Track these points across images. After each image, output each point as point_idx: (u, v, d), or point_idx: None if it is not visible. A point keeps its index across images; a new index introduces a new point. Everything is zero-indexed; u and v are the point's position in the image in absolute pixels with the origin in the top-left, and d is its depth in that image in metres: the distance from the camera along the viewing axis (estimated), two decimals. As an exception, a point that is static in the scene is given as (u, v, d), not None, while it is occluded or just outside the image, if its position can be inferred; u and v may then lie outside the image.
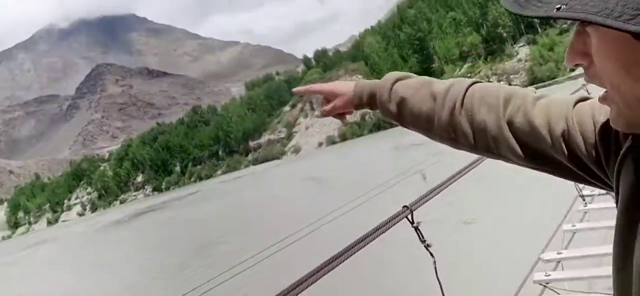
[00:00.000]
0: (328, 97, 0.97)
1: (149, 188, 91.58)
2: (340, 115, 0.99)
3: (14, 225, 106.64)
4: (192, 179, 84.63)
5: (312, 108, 71.50)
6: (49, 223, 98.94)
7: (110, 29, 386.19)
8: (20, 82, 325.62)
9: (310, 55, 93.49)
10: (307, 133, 69.25)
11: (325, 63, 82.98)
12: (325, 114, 0.97)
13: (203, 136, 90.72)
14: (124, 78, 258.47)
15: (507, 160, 0.75)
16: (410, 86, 0.87)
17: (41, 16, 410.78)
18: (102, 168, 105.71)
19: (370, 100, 0.91)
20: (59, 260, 38.93)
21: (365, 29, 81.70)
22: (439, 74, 56.81)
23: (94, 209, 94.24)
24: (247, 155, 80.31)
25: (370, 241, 1.12)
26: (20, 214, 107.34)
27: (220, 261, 14.87)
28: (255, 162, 73.62)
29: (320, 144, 63.82)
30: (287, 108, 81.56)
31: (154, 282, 16.34)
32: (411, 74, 0.92)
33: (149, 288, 16.08)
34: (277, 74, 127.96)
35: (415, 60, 61.34)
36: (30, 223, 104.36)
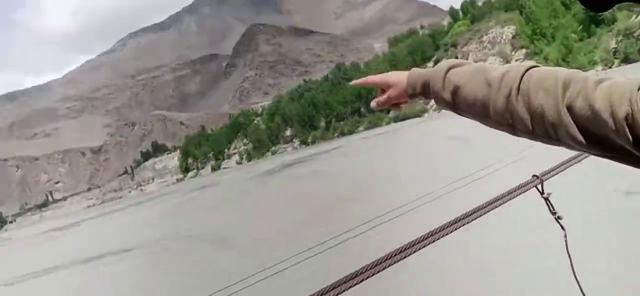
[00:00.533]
0: (382, 88, 0.98)
1: (296, 142, 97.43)
2: (395, 105, 0.98)
3: (185, 169, 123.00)
4: (335, 134, 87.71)
5: (458, 64, 68.43)
6: (213, 169, 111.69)
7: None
8: (188, 43, 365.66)
9: (457, 6, 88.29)
10: (451, 90, 66.68)
11: (474, 14, 77.78)
12: (379, 105, 0.97)
13: (346, 93, 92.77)
14: (274, 37, 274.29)
15: (568, 146, 0.72)
16: (464, 73, 0.86)
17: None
18: (255, 122, 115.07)
19: (424, 90, 0.91)
20: (221, 201, 43.17)
21: (520, -25, 74.22)
22: (612, 22, 49.43)
23: (249, 159, 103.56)
24: (388, 112, 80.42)
25: (496, 207, 1.06)
26: (190, 160, 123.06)
27: (355, 215, 15.51)
28: (397, 119, 73.35)
29: (465, 101, 61.01)
30: (430, 64, 79.02)
31: (298, 229, 17.45)
32: (464, 61, 0.89)
33: (295, 233, 17.18)
34: (422, 27, 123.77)
35: (580, 7, 54.12)
36: (198, 169, 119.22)
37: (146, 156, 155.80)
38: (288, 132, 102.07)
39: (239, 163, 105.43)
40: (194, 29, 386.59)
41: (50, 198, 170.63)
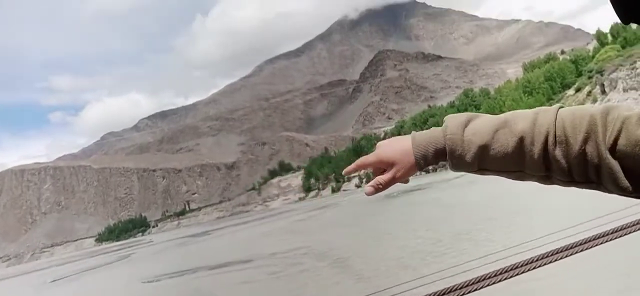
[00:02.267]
0: (380, 167, 0.86)
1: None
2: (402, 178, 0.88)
3: (307, 189, 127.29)
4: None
5: (604, 92, 61.18)
6: (333, 190, 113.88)
7: (392, 16, 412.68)
8: (318, 69, 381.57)
9: (606, 29, 79.39)
10: (595, 120, 59.78)
11: (626, 38, 69.30)
12: (383, 186, 0.85)
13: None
14: (401, 62, 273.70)
15: (610, 191, 0.65)
16: (486, 130, 0.78)
17: (337, 9, 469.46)
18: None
19: (438, 158, 0.83)
20: (340, 222, 43.69)
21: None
22: None
23: (369, 182, 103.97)
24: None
25: None
26: (312, 180, 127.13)
27: (476, 249, 14.41)
28: (530, 149, 67.91)
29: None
30: (570, 91, 72.01)
31: (415, 257, 16.85)
32: (473, 114, 0.83)
33: (412, 261, 16.66)
34: (562, 52, 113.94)
35: None
36: (319, 189, 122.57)
37: (273, 174, 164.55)
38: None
39: (359, 186, 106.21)
40: (325, 55, 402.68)
41: (187, 208, 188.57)
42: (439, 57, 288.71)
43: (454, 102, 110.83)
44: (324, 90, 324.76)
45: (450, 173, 67.08)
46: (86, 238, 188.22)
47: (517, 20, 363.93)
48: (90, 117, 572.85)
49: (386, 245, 21.96)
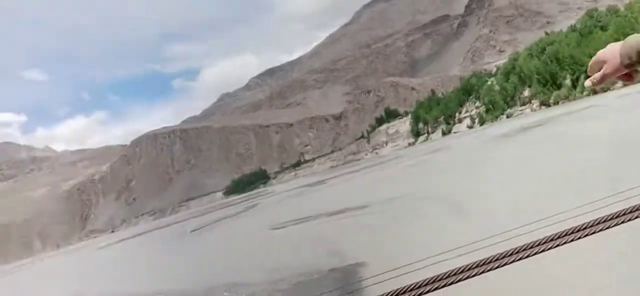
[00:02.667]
0: (595, 67, 0.94)
1: (535, 103, 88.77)
2: (626, 76, 0.93)
3: (416, 134, 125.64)
4: (584, 93, 76.64)
5: None
6: (444, 133, 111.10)
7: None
8: (418, 7, 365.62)
9: None
10: None
11: None
12: (596, 83, 0.94)
13: (600, 43, 79.43)
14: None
15: None
16: None
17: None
18: (489, 83, 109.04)
19: None
20: (453, 165, 41.92)
21: None
22: None
23: (482, 122, 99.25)
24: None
25: None
26: (421, 125, 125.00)
27: (611, 186, 13.64)
28: (671, 70, 59.64)
29: None
30: None
31: (537, 198, 16.28)
32: None
33: (532, 202, 16.08)
34: None
35: None
36: (428, 133, 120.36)
37: (380, 121, 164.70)
38: (526, 93, 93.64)
39: (471, 127, 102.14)
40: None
41: (301, 159, 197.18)
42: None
43: (574, 25, 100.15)
44: (427, 28, 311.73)
45: (577, 105, 61.55)
46: (216, 192, 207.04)
47: None
48: (206, 80, 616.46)
49: (505, 187, 21.03)
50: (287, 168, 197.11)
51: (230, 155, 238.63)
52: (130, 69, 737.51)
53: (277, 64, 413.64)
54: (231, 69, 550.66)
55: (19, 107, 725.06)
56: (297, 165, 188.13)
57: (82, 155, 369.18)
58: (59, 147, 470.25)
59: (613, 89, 69.54)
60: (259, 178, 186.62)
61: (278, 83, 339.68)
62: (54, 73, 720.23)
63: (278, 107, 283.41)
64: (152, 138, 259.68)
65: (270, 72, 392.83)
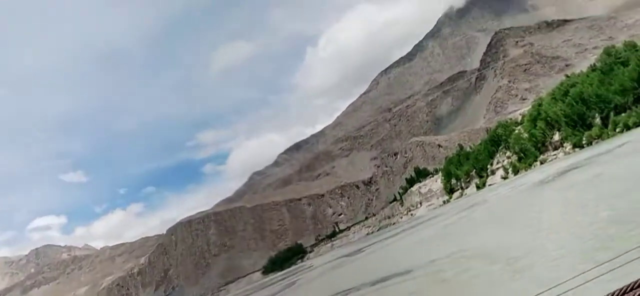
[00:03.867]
0: None
1: (568, 146, 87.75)
2: None
3: (450, 190, 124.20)
4: (617, 130, 75.69)
5: None
6: (478, 187, 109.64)
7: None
8: (434, 67, 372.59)
9: None
10: None
11: None
12: None
13: (623, 79, 79.50)
14: (523, 38, 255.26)
15: None
16: None
17: (441, 2, 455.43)
18: (516, 131, 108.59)
19: None
20: (493, 218, 41.56)
21: None
22: None
23: (515, 172, 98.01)
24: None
25: None
26: (453, 181, 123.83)
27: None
28: (702, 97, 59.01)
29: None
30: None
31: (584, 244, 15.97)
32: None
33: (580, 249, 15.63)
34: None
35: None
36: (462, 188, 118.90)
37: (411, 182, 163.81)
38: (556, 137, 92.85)
39: (505, 178, 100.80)
40: (438, 51, 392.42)
41: (336, 229, 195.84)
42: (566, 21, 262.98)
43: (594, 64, 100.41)
44: (445, 86, 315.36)
45: (611, 143, 60.81)
46: (254, 272, 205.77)
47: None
48: (235, 162, 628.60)
49: (546, 234, 20.94)
50: (322, 239, 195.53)
51: (265, 232, 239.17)
52: (163, 160, 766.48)
53: (303, 138, 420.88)
54: (258, 149, 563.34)
55: (59, 208, 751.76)
56: (333, 235, 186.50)
57: (120, 249, 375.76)
58: (98, 244, 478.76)
59: (645, 123, 68.63)
60: (295, 253, 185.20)
61: (305, 156, 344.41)
62: (91, 173, 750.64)
63: (307, 179, 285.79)
64: (187, 224, 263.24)
65: (297, 147, 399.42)
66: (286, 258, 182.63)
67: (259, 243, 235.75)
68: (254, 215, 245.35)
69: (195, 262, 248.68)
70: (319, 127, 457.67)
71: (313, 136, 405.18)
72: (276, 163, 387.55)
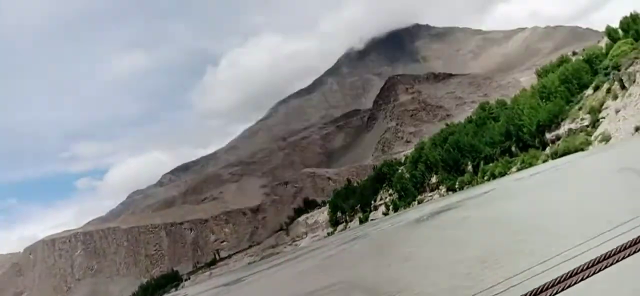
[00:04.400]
0: None
1: (443, 188, 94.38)
2: None
3: (335, 223, 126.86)
4: (485, 178, 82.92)
5: (624, 88, 60.40)
6: (361, 221, 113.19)
7: (398, 42, 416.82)
8: (331, 103, 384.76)
9: (615, 24, 78.79)
10: (618, 117, 58.84)
11: (638, 31, 68.79)
12: None
13: (493, 133, 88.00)
14: (412, 85, 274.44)
15: None
16: None
17: (343, 43, 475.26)
18: (399, 171, 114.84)
19: None
20: (373, 252, 43.18)
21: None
22: None
23: (395, 209, 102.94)
24: (543, 148, 73.87)
25: None
26: (339, 214, 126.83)
27: (515, 262, 14.33)
28: (555, 155, 66.84)
29: (637, 129, 53.32)
30: (589, 91, 71.27)
31: (454, 279, 16.76)
32: None
33: (452, 283, 16.47)
34: (574, 53, 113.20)
35: None
36: (346, 222, 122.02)
37: (299, 212, 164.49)
38: (433, 179, 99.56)
39: (386, 214, 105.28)
40: (336, 88, 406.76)
41: (217, 256, 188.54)
42: (450, 75, 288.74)
43: (471, 117, 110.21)
44: (339, 122, 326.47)
45: (479, 189, 66.12)
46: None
47: (523, 28, 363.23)
48: (115, 179, 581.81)
49: (420, 270, 21.81)
50: (201, 267, 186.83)
51: (139, 257, 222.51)
52: (29, 170, 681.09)
53: (192, 159, 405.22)
54: (142, 166, 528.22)
55: None
56: (212, 263, 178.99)
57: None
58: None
59: (509, 173, 76.11)
60: (169, 281, 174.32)
61: (193, 178, 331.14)
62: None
63: (192, 202, 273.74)
64: (49, 243, 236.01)
65: (185, 167, 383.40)
66: (159, 286, 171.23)
67: (130, 268, 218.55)
68: (128, 237, 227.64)
69: (55, 286, 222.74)
70: (211, 149, 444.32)
71: (203, 158, 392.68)
72: (160, 183, 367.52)
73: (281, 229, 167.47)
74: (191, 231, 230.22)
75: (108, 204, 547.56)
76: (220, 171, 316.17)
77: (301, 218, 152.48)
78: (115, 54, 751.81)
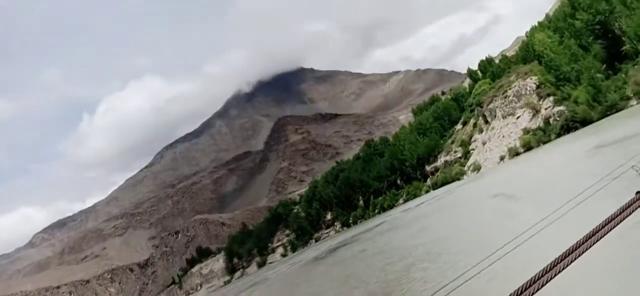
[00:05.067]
0: None
1: (338, 224, 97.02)
2: None
3: (231, 270, 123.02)
4: (376, 210, 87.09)
5: (487, 122, 68.34)
6: (259, 265, 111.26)
7: (284, 84, 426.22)
8: (221, 145, 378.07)
9: (475, 67, 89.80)
10: (485, 148, 66.30)
11: (493, 72, 78.89)
12: None
13: (379, 168, 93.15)
14: (301, 126, 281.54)
15: None
16: None
17: (230, 86, 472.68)
18: (295, 210, 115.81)
19: None
20: None
21: (532, 27, 75.67)
22: (634, 56, 49.74)
23: (294, 249, 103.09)
24: (425, 180, 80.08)
25: (605, 233, 1.07)
26: (235, 260, 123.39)
27: (418, 287, 15.42)
28: (435, 185, 72.79)
29: (502, 158, 60.34)
30: (459, 126, 79.39)
31: None
32: None
33: None
34: (443, 93, 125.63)
35: (599, 47, 54.50)
36: (243, 268, 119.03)
37: (192, 262, 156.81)
38: (328, 216, 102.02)
39: (284, 255, 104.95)
40: (226, 130, 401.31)
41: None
42: (336, 115, 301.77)
43: (358, 154, 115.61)
44: (231, 164, 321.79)
45: (372, 222, 69.12)
46: None
47: (397, 72, 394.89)
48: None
49: None
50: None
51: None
52: None
53: (69, 214, 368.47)
54: (8, 226, 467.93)
55: None
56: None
57: None
58: None
59: (397, 205, 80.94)
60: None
61: (70, 235, 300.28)
62: None
63: (71, 262, 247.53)
64: None
65: (60, 224, 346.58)
66: None
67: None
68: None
69: None
70: (89, 202, 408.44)
71: (82, 212, 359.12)
72: (31, 244, 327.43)
73: (173, 283, 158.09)
74: (70, 294, 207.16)
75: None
76: (102, 225, 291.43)
77: (195, 269, 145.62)
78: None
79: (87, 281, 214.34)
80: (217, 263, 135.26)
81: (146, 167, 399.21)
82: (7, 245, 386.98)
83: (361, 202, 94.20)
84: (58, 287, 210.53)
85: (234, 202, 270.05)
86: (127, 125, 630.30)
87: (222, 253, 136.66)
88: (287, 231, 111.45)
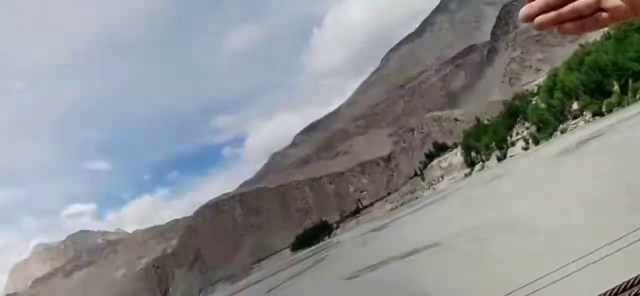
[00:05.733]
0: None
1: (588, 114, 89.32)
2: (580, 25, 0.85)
3: (471, 163, 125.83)
4: (637, 96, 77.09)
5: None
6: (499, 159, 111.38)
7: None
8: (444, 42, 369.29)
9: None
10: None
11: None
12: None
13: (639, 46, 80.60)
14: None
15: None
16: None
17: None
18: (533, 102, 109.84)
19: None
20: (518, 189, 41.22)
21: None
22: None
23: (536, 142, 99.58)
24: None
25: None
26: (473, 154, 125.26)
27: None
28: None
29: None
30: None
31: (609, 212, 16.30)
32: None
33: (606, 216, 15.92)
34: None
35: None
36: (483, 161, 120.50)
37: (430, 157, 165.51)
38: (575, 106, 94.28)
39: (526, 148, 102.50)
40: (447, 26, 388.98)
41: (360, 205, 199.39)
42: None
43: (608, 32, 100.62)
44: (457, 60, 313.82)
45: (632, 110, 61.50)
46: (283, 249, 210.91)
47: None
48: (254, 144, 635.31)
49: (571, 204, 20.92)
50: (347, 216, 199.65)
51: (290, 211, 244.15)
52: (181, 145, 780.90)
53: (317, 117, 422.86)
54: (275, 130, 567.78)
55: (87, 196, 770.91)
56: (357, 212, 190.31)
57: (151, 232, 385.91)
58: (129, 228, 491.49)
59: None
60: (321, 230, 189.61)
61: (322, 136, 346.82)
62: (113, 160, 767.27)
63: (326, 158, 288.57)
64: (214, 206, 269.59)
65: (313, 127, 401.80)
66: (313, 235, 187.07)
67: (286, 222, 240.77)
68: (277, 195, 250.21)
69: (225, 242, 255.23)
70: (333, 106, 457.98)
71: (328, 115, 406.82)
72: (294, 144, 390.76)
73: (416, 175, 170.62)
74: (331, 184, 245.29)
75: (252, 167, 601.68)
76: (347, 126, 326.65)
77: (434, 162, 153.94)
78: (227, 30, 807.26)
79: (342, 173, 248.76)
80: (455, 157, 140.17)
81: (375, 71, 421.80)
82: (275, 146, 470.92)
83: (616, 88, 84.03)
84: (320, 178, 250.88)
85: (464, 98, 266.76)
86: (351, 34, 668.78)
87: (459, 147, 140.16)
88: (527, 124, 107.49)
